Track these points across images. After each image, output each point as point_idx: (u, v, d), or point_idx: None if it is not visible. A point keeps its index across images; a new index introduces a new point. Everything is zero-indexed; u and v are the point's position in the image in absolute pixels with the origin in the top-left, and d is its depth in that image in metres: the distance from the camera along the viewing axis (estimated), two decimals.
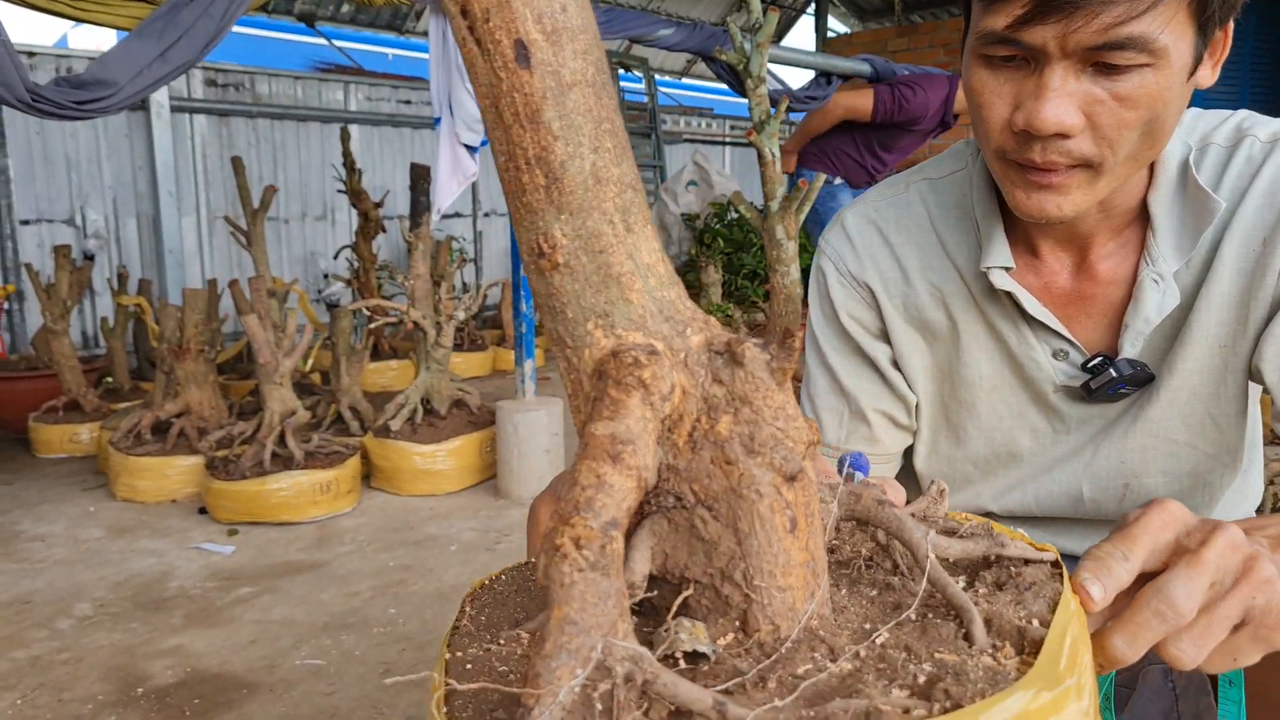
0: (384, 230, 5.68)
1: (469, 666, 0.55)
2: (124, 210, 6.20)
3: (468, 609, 0.70)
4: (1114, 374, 0.91)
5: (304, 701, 2.27)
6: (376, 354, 5.60)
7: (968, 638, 0.50)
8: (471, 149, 3.71)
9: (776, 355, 0.51)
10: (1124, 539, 0.58)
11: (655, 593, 0.56)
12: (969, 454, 1.06)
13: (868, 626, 0.54)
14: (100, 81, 2.75)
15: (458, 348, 5.93)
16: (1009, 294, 0.94)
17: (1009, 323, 0.97)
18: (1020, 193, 0.83)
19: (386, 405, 3.96)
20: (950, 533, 0.68)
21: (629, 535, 0.53)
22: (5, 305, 5.42)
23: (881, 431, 1.07)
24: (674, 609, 0.52)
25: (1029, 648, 0.49)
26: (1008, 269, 0.93)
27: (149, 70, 2.79)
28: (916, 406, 1.06)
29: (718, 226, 7.32)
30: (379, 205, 5.70)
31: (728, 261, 6.92)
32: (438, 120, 3.68)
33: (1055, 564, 0.58)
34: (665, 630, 0.50)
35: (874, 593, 0.60)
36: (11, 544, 3.31)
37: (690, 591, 0.53)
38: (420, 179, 5.08)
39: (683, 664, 0.49)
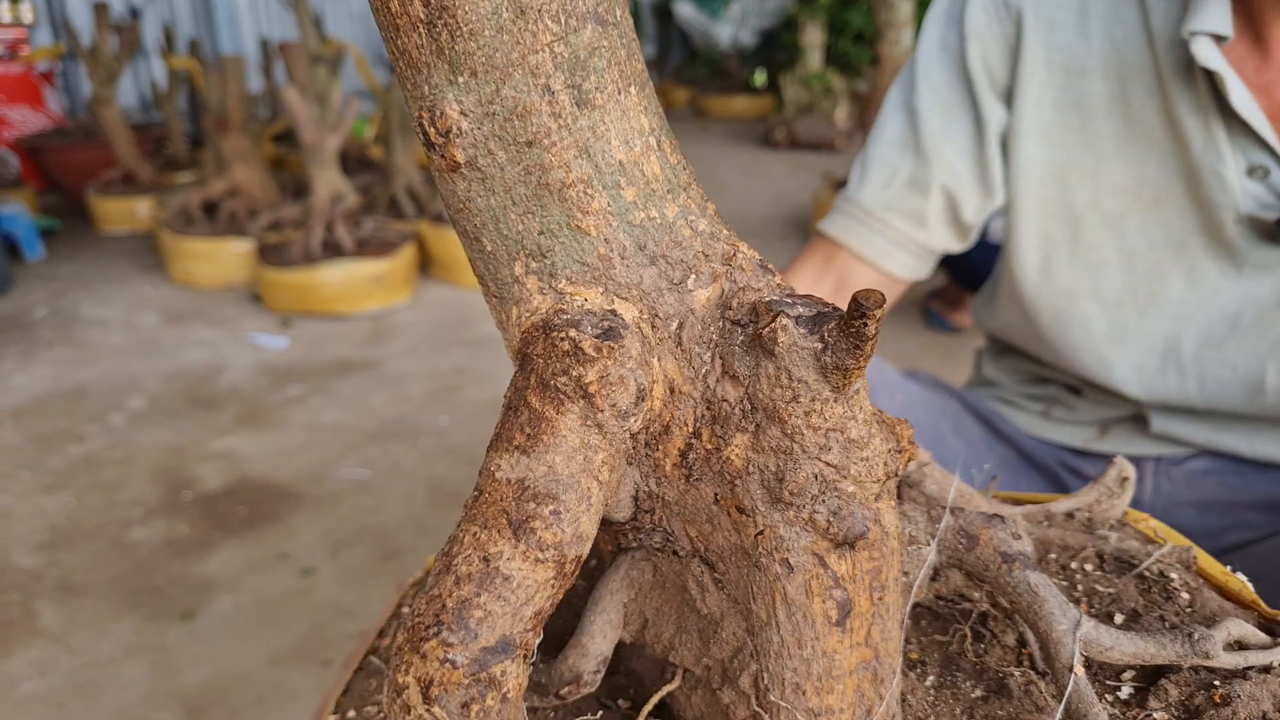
0: None
1: None
2: None
3: (402, 619, 0.47)
4: None
5: (349, 518, 2.18)
6: None
7: None
8: None
9: (834, 342, 0.32)
10: None
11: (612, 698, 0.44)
12: (1096, 285, 0.84)
13: None
14: None
15: None
16: (1209, 76, 0.72)
17: (1198, 117, 0.75)
18: None
19: None
20: (1127, 564, 0.48)
21: (600, 574, 0.40)
22: (59, 67, 5.15)
23: (934, 215, 0.85)
24: (644, 712, 0.37)
25: None
26: (1220, 39, 0.71)
27: None
28: (996, 216, 0.88)
29: None
30: None
31: (831, 21, 6.10)
32: None
33: None
34: None
35: (977, 692, 0.42)
36: (71, 329, 3.27)
37: (676, 684, 0.38)
38: None
39: None
